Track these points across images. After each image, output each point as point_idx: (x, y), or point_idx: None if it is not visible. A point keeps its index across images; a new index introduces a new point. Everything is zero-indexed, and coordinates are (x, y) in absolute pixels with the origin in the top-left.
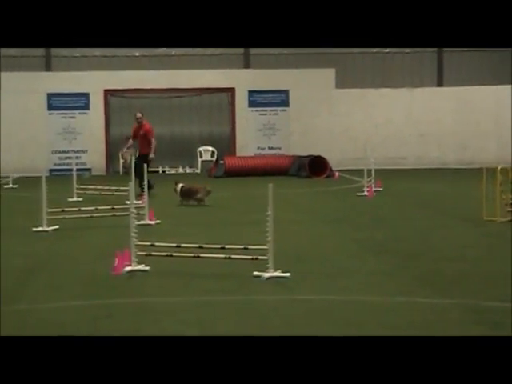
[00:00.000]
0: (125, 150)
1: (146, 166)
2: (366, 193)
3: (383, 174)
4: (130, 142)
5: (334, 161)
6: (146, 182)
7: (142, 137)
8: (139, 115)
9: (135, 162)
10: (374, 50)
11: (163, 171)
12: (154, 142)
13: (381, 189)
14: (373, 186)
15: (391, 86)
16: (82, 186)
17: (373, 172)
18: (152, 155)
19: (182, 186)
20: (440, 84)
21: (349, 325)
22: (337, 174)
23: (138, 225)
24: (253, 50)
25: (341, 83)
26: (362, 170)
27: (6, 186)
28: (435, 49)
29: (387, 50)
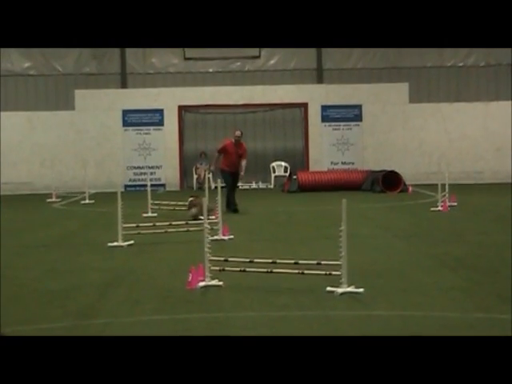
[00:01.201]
0: (212, 165)
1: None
2: (440, 208)
3: (458, 189)
4: (217, 155)
5: (408, 175)
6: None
7: (239, 156)
8: (239, 133)
9: (232, 179)
10: (448, 63)
11: (237, 186)
12: (245, 162)
13: (455, 204)
14: (447, 200)
15: (466, 100)
16: (156, 202)
17: (447, 186)
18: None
19: (191, 200)
20: None
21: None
22: (410, 188)
23: (212, 240)
24: (326, 65)
25: (415, 97)
26: (437, 185)
27: (82, 202)
28: (510, 62)
29: (461, 63)
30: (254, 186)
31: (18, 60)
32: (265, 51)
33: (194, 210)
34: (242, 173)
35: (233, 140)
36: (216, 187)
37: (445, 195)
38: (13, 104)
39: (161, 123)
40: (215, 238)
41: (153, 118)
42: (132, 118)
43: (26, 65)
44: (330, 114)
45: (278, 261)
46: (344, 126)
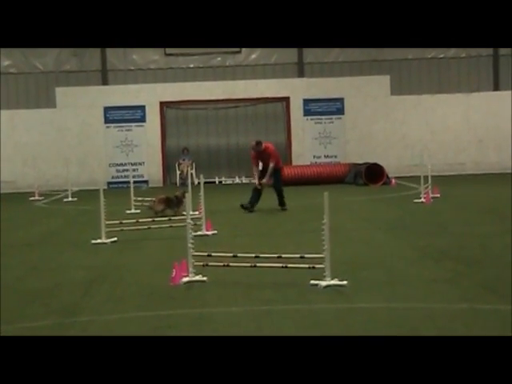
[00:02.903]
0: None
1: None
2: (423, 199)
3: (441, 181)
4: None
5: (391, 168)
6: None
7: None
8: (253, 143)
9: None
10: (429, 55)
11: (220, 181)
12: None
13: (438, 195)
14: (430, 192)
15: (447, 91)
16: (139, 198)
17: (429, 178)
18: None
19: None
20: (497, 88)
21: (410, 332)
22: (393, 181)
23: (195, 235)
24: (307, 59)
25: (396, 90)
26: (419, 177)
27: (65, 200)
28: (491, 53)
29: (442, 55)
30: (237, 181)
31: None
32: None
33: (160, 207)
34: (265, 180)
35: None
36: (199, 183)
37: (427, 187)
38: None
39: (142, 120)
40: (198, 233)
41: (134, 114)
42: (114, 115)
43: (6, 63)
44: (312, 107)
45: (262, 255)
46: (326, 119)
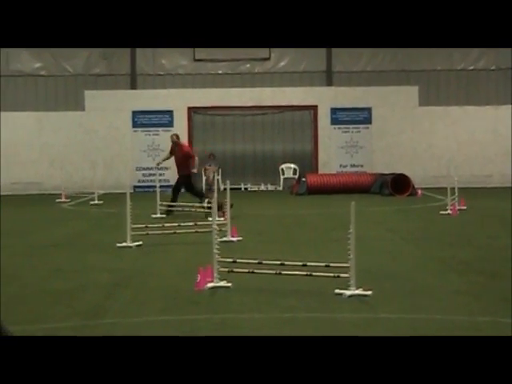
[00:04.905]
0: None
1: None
2: (449, 211)
3: (467, 193)
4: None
5: (417, 179)
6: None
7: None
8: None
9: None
10: (458, 67)
11: (245, 188)
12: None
13: (465, 207)
14: (456, 204)
15: (476, 103)
16: (165, 203)
17: (456, 190)
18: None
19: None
20: None
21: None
22: (420, 192)
23: (221, 241)
24: (335, 68)
25: (424, 101)
26: (446, 189)
27: (91, 203)
28: None
29: (471, 66)
30: (262, 188)
31: (28, 61)
32: (275, 53)
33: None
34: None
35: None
36: (225, 189)
37: (454, 199)
38: (22, 104)
39: (170, 124)
40: (224, 239)
41: (162, 119)
42: (141, 119)
43: (37, 65)
44: (340, 116)
45: (287, 262)
46: (353, 128)
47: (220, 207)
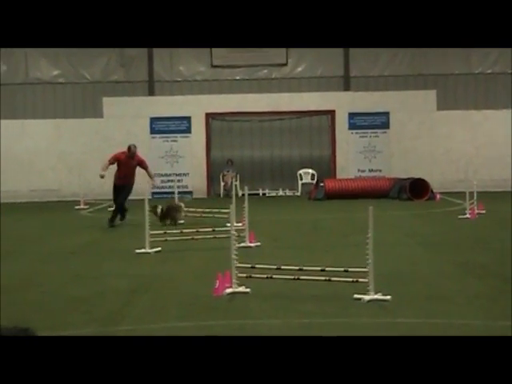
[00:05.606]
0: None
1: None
2: (468, 215)
3: (486, 197)
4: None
5: (436, 183)
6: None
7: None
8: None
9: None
10: (476, 70)
11: (263, 193)
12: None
13: (483, 211)
14: (475, 208)
15: (494, 107)
16: (185, 209)
17: (475, 194)
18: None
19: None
20: None
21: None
22: (438, 196)
23: (239, 247)
24: (352, 72)
25: (442, 105)
26: (464, 193)
27: (109, 209)
28: None
29: (489, 70)
30: (280, 193)
31: (47, 68)
32: (292, 59)
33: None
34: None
35: (127, 152)
36: (243, 194)
37: (473, 203)
38: (41, 112)
39: (188, 131)
40: (242, 244)
41: (180, 125)
42: (159, 126)
43: (55, 73)
44: (357, 121)
45: (305, 268)
46: (371, 133)
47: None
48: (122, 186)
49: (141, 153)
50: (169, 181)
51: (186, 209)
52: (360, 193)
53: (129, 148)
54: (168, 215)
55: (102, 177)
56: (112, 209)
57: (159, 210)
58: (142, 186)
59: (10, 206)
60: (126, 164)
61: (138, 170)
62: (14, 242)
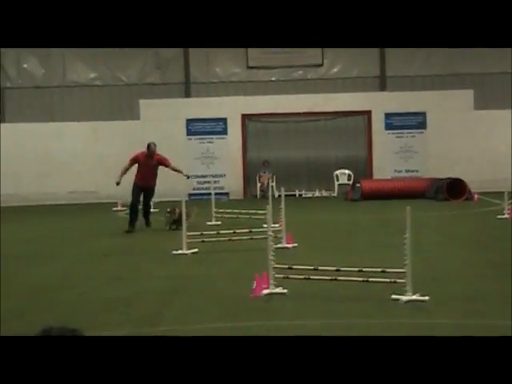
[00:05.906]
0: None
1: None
2: (506, 215)
3: None
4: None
5: (473, 183)
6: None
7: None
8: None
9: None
10: None
11: (300, 194)
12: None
13: None
14: None
15: None
16: (220, 210)
17: None
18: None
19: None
20: None
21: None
22: (476, 196)
23: (276, 248)
24: (388, 72)
25: (479, 104)
26: (502, 193)
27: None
28: None
29: None
30: (317, 194)
31: (84, 71)
32: (327, 59)
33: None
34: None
35: (146, 151)
36: (280, 195)
37: (511, 203)
38: (78, 114)
39: (224, 132)
40: (279, 245)
41: (216, 126)
42: (195, 127)
43: (91, 75)
44: (394, 121)
45: (342, 268)
46: (407, 133)
47: (188, 216)
48: (141, 188)
49: (177, 154)
50: (205, 182)
51: (221, 210)
52: (397, 193)
53: (148, 146)
54: (179, 220)
55: (118, 184)
56: (152, 210)
57: (168, 215)
58: (178, 187)
59: (50, 208)
60: (145, 164)
61: (168, 173)
62: (54, 244)
